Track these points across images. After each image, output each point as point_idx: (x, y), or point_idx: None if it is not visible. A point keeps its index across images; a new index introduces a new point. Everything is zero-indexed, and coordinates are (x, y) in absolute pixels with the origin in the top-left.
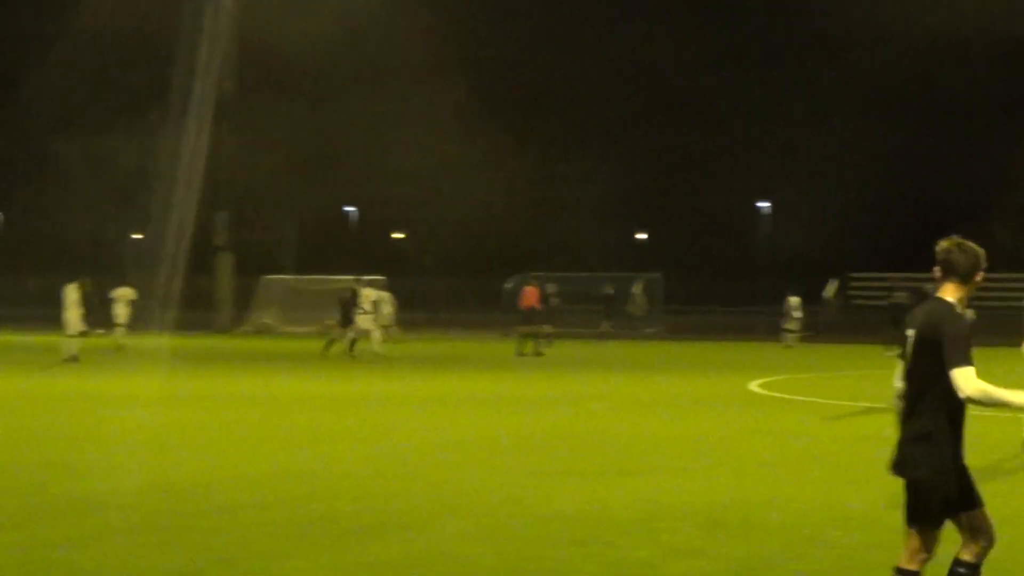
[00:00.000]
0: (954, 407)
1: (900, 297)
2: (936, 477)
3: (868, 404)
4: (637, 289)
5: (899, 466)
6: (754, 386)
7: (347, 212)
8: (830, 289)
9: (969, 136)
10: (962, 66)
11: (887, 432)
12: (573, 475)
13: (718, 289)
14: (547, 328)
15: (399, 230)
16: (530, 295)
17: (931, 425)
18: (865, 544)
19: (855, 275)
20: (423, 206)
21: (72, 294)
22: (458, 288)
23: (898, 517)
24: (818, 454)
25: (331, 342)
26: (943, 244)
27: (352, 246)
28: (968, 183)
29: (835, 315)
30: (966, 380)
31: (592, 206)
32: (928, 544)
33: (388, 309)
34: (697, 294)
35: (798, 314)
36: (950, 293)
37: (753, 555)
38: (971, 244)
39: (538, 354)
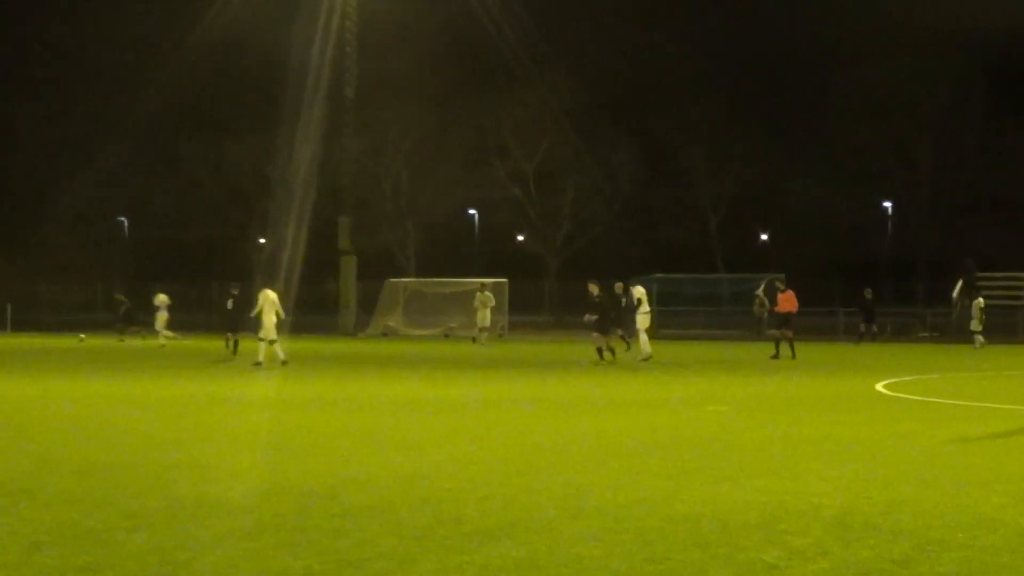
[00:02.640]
0: None
1: None
2: None
3: (995, 405)
4: (760, 291)
5: None
6: (880, 387)
7: (471, 215)
8: (957, 289)
9: None
10: None
11: (1015, 433)
12: (696, 477)
13: (840, 289)
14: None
15: (521, 232)
16: (786, 300)
17: None
18: (994, 547)
19: (982, 275)
20: (543, 208)
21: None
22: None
23: None
24: (945, 455)
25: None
26: None
27: (475, 249)
28: None
29: (962, 315)
30: None
31: (714, 207)
32: None
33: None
34: (819, 294)
35: (981, 315)
36: None
37: (881, 557)
38: None
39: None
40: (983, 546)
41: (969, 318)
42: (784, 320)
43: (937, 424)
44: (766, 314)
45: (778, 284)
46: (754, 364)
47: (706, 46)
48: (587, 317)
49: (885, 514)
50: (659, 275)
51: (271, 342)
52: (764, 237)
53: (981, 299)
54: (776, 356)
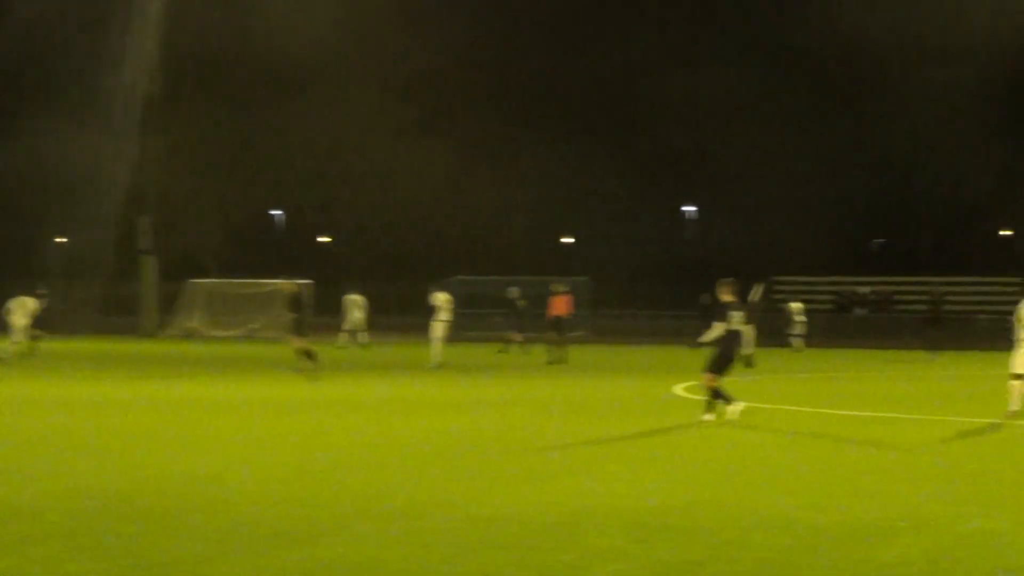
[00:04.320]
0: None
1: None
2: None
3: (790, 407)
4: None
5: None
6: (679, 390)
7: (273, 215)
8: (756, 292)
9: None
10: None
11: (811, 432)
12: (497, 479)
13: (644, 293)
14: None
15: (325, 233)
16: (560, 303)
17: None
18: (789, 547)
19: (779, 278)
20: (349, 209)
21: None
22: (384, 293)
23: (821, 519)
24: (742, 457)
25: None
26: None
27: (278, 249)
28: (889, 191)
29: (760, 318)
30: None
31: (520, 209)
32: None
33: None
34: (622, 297)
35: (801, 318)
36: None
37: (678, 558)
38: None
39: (561, 361)
40: (779, 546)
41: (788, 322)
42: (557, 324)
43: (734, 426)
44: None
45: (554, 287)
46: (555, 366)
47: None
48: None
49: (683, 515)
50: (460, 277)
51: (15, 343)
52: (568, 240)
53: (795, 304)
54: (559, 360)
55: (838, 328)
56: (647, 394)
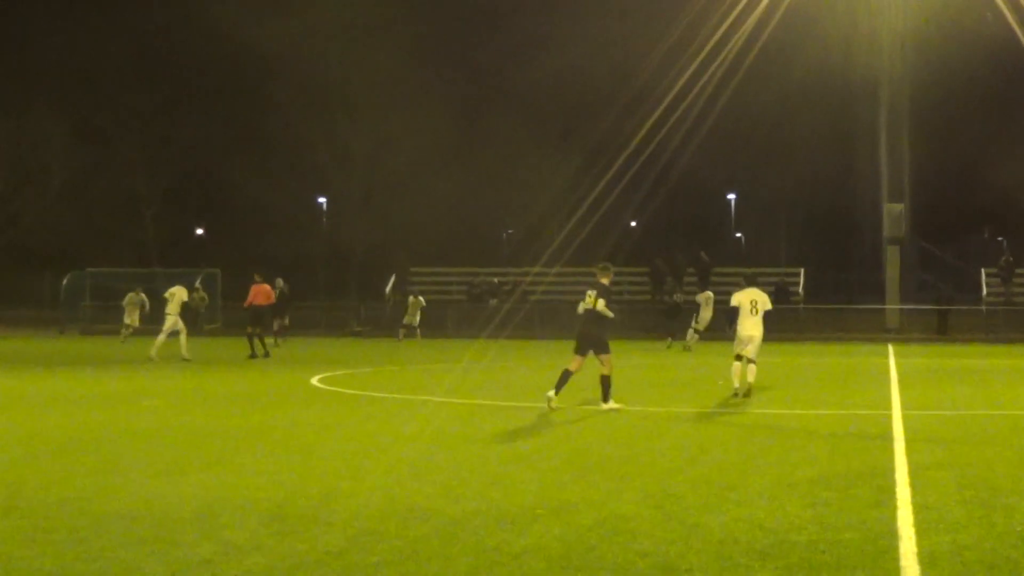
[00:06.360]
0: None
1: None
2: None
3: (426, 397)
4: (197, 284)
5: None
6: (316, 381)
7: None
8: (390, 285)
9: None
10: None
11: (449, 421)
12: (131, 473)
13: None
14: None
15: None
16: (260, 292)
17: None
18: (425, 536)
19: (415, 270)
20: None
21: None
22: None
23: (458, 508)
24: (379, 448)
25: None
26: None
27: None
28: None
29: (396, 309)
30: None
31: (149, 199)
32: None
33: None
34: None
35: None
36: None
37: (315, 549)
38: None
39: (266, 355)
40: (415, 536)
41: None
42: (256, 314)
43: (370, 417)
44: (204, 308)
45: (256, 276)
46: (191, 357)
47: (137, 34)
48: None
49: (320, 507)
50: (92, 269)
51: None
52: (200, 231)
53: (416, 297)
54: (254, 356)
55: (471, 318)
56: (282, 386)
